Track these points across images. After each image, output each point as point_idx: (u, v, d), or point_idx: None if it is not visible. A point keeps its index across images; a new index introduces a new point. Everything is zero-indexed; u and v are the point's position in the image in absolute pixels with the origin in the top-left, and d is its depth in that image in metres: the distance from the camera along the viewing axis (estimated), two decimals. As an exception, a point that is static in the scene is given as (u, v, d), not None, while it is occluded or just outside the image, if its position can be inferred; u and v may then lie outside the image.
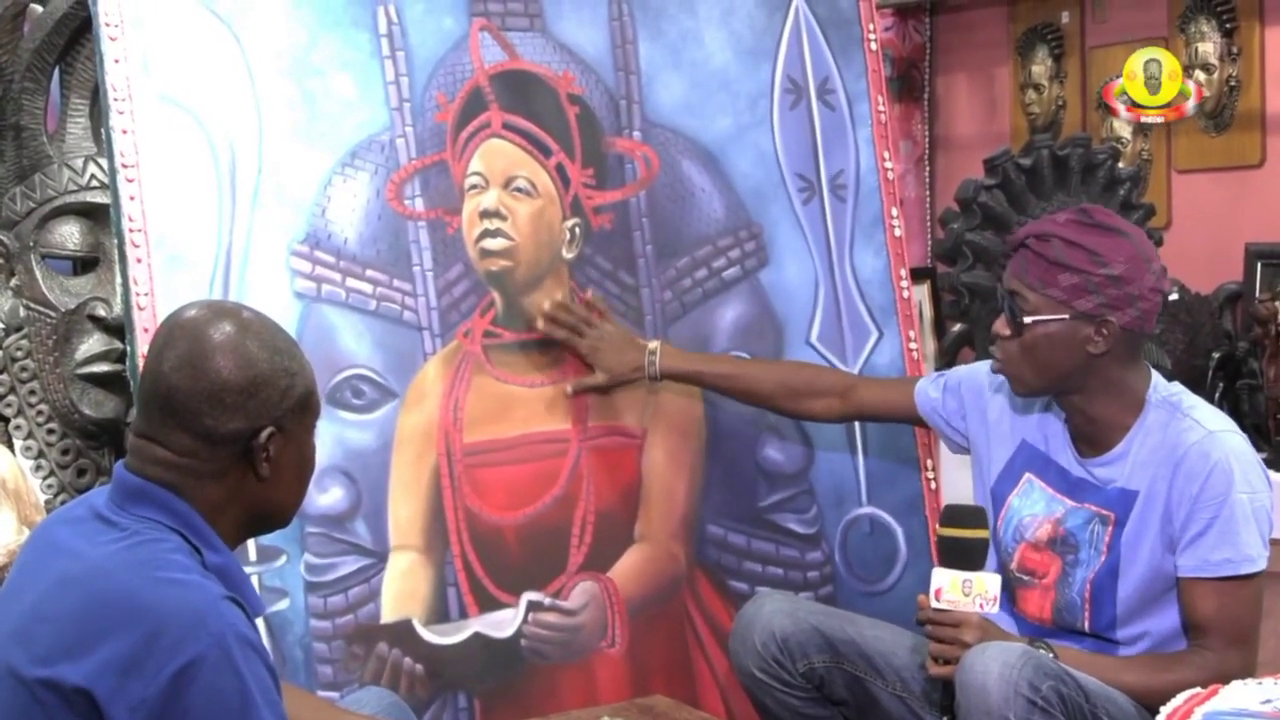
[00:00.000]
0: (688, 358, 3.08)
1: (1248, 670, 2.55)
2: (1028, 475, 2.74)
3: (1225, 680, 2.44)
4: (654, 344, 3.05)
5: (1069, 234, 2.59)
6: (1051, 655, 2.51)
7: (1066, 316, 2.58)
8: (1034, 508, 2.71)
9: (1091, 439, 2.66)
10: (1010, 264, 2.66)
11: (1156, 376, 2.67)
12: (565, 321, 3.02)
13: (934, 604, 2.53)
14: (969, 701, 2.41)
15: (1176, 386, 2.68)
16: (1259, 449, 4.08)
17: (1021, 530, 2.71)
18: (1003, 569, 2.72)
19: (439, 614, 2.90)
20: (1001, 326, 2.65)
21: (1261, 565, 2.55)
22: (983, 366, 2.90)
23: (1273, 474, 3.79)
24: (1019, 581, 2.71)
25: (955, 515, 2.58)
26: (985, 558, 2.57)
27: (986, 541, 2.57)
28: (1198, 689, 2.34)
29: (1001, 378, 2.76)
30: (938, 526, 2.63)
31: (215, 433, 1.90)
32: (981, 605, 2.52)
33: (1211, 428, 2.58)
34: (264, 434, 1.92)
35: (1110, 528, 2.61)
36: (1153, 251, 2.64)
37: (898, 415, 3.05)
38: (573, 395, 3.04)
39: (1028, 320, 2.60)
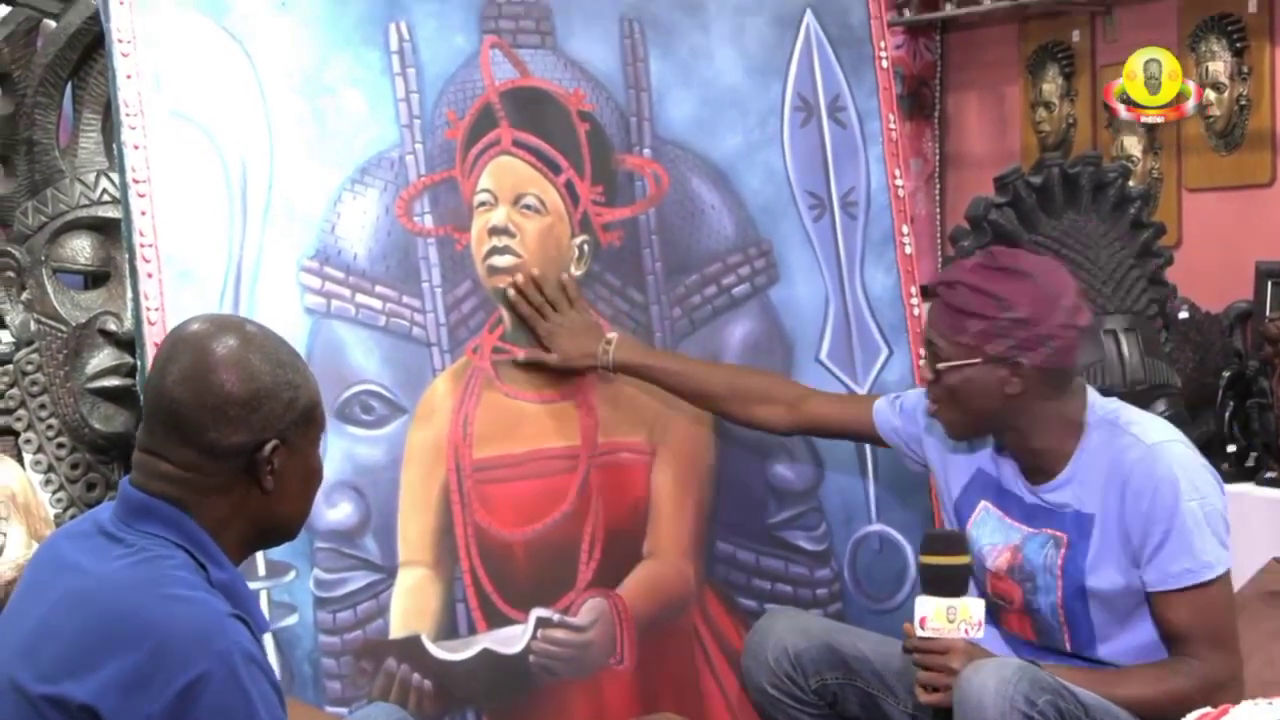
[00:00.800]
0: (641, 352, 3.06)
1: (1235, 670, 2.57)
2: (984, 503, 2.74)
3: (1217, 685, 2.50)
4: (612, 334, 3.04)
5: (974, 280, 2.59)
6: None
7: (978, 361, 2.57)
8: (992, 536, 2.71)
9: (1038, 468, 2.67)
10: (928, 312, 2.68)
11: (1093, 395, 2.67)
12: (532, 299, 3.01)
13: (919, 632, 2.53)
14: (966, 717, 2.41)
15: (1114, 402, 2.67)
16: (1269, 468, 4.08)
17: (983, 559, 2.71)
18: (982, 594, 2.71)
19: (448, 630, 2.90)
20: (927, 372, 2.66)
21: (1222, 569, 2.55)
22: None
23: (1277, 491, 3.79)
24: (998, 606, 2.71)
25: (935, 542, 2.57)
26: (968, 583, 2.56)
27: (969, 566, 2.56)
28: (1208, 709, 2.34)
29: None
30: (918, 555, 2.61)
31: (219, 446, 1.89)
32: (967, 631, 2.51)
33: (1150, 441, 2.58)
34: (268, 447, 1.91)
35: (1063, 550, 2.61)
36: (1063, 287, 2.60)
37: (854, 433, 3.03)
38: (522, 362, 3.00)
39: (941, 367, 2.60)
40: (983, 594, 2.71)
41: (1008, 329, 2.55)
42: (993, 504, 2.73)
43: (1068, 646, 2.64)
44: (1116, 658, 2.61)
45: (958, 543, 2.57)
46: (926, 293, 3.42)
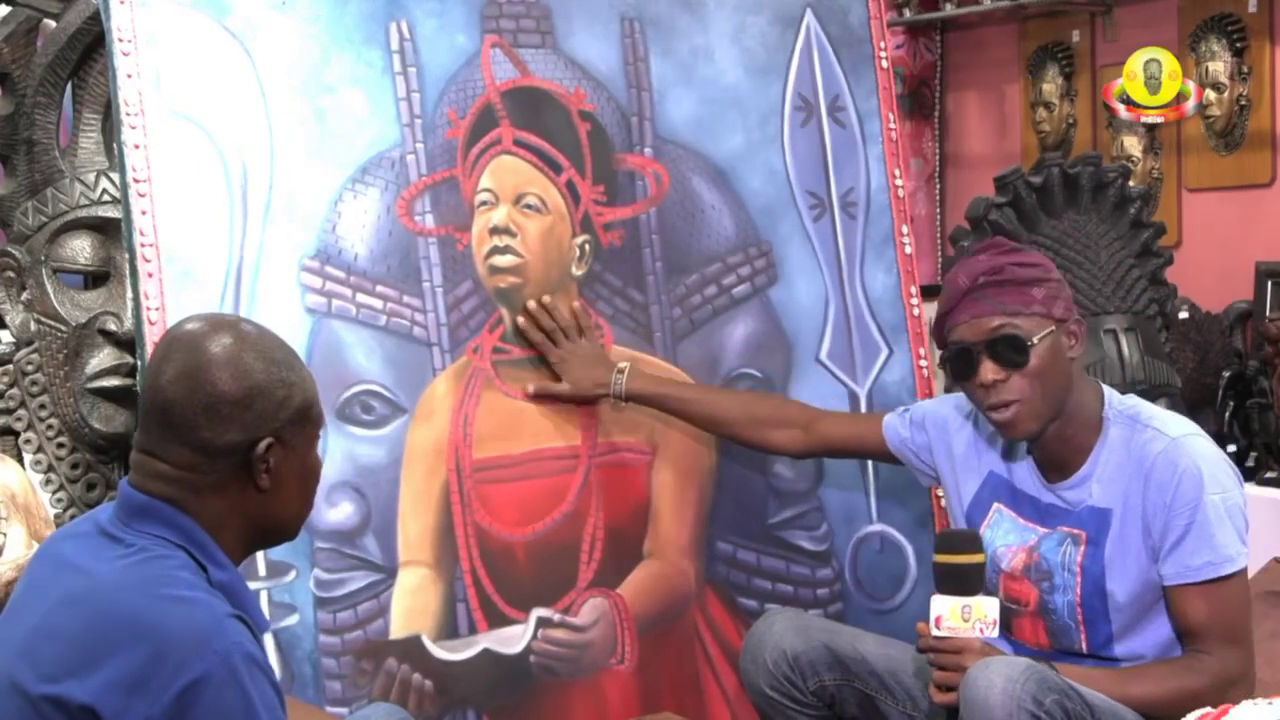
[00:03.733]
0: (653, 381, 3.06)
1: (1248, 668, 2.57)
2: (996, 505, 2.74)
3: (1230, 682, 2.49)
4: (623, 364, 3.04)
5: (1010, 259, 2.62)
6: (1056, 671, 2.50)
7: (1053, 328, 2.59)
8: (1006, 538, 2.71)
9: (1059, 464, 2.67)
10: (971, 309, 2.59)
11: (1109, 392, 2.69)
12: (544, 325, 3.01)
13: (934, 631, 2.53)
14: (972, 717, 2.41)
15: (1132, 398, 2.69)
16: (1268, 468, 4.08)
17: (998, 561, 2.70)
18: None
19: (448, 630, 2.90)
20: (994, 372, 2.58)
21: (1242, 563, 2.56)
22: (946, 400, 2.92)
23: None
24: (1009, 610, 2.71)
25: (950, 541, 2.57)
26: (983, 582, 2.56)
27: (983, 565, 2.56)
28: (1208, 709, 2.34)
29: (965, 410, 2.81)
30: (933, 554, 2.60)
31: (212, 445, 1.89)
32: (981, 630, 2.51)
33: (1174, 434, 2.59)
34: (262, 445, 1.91)
35: (1082, 547, 2.62)
36: None
37: (866, 450, 3.04)
38: (531, 396, 3.01)
39: (1034, 342, 2.58)
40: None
41: (1058, 289, 2.62)
42: (1006, 506, 2.73)
43: (1084, 647, 2.63)
44: (1134, 656, 2.61)
45: (972, 541, 2.57)
46: (927, 292, 3.42)
